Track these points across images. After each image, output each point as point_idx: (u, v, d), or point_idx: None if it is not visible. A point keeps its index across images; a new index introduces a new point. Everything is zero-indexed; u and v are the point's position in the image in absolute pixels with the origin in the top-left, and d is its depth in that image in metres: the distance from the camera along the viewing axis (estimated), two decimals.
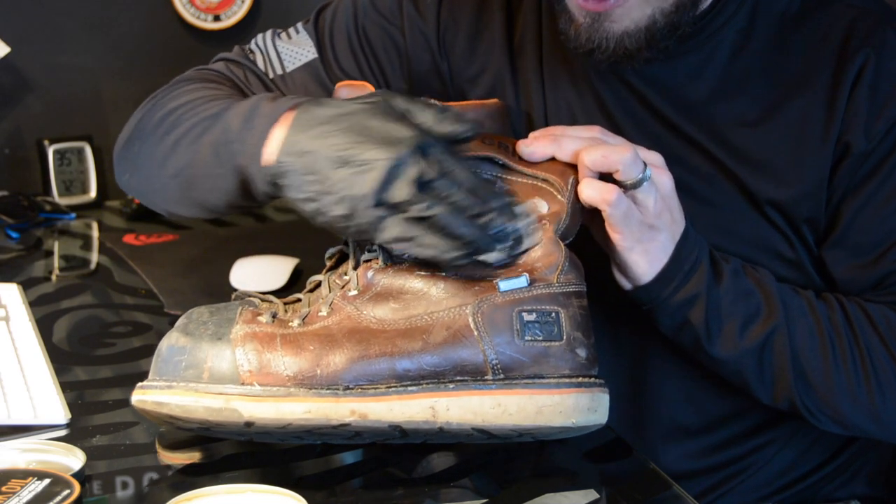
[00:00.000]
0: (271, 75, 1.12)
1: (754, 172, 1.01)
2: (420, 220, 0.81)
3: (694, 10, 0.98)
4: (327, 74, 1.12)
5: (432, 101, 0.87)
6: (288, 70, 1.12)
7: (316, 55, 1.12)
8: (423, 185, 0.81)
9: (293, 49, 1.13)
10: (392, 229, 0.82)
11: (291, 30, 1.15)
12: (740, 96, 1.02)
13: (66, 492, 0.75)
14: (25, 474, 0.77)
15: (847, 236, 1.01)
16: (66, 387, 1.00)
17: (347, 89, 0.96)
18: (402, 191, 0.81)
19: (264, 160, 0.87)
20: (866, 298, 1.02)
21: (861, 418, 1.01)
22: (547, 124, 1.07)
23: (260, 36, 1.15)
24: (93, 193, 1.76)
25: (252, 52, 1.14)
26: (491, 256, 0.84)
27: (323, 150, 0.83)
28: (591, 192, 0.90)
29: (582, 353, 0.86)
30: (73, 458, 0.84)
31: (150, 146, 1.01)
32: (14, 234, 1.56)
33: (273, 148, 0.86)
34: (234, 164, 0.90)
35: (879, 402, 1.00)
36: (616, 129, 1.04)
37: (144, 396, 0.84)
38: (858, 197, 1.00)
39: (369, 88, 0.94)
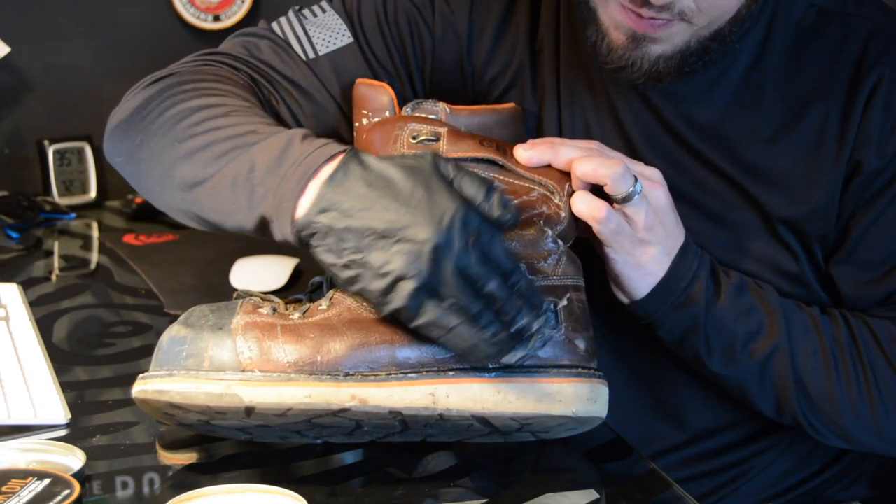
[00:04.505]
0: (304, 59, 1.06)
1: (767, 189, 1.00)
2: (455, 307, 0.78)
3: (730, 36, 0.95)
4: (365, 61, 1.07)
5: (482, 174, 0.82)
6: (321, 53, 1.06)
7: (351, 39, 1.07)
8: (462, 272, 0.78)
9: (322, 32, 1.07)
10: (429, 314, 0.78)
11: (316, 8, 1.09)
12: (754, 110, 1.01)
13: (66, 492, 0.75)
14: (25, 474, 0.77)
15: (856, 252, 1.01)
16: (66, 387, 1.00)
17: (366, 87, 0.96)
18: (446, 277, 0.77)
19: (296, 215, 0.81)
20: (872, 314, 1.02)
21: (865, 435, 1.01)
22: (560, 130, 1.06)
23: (283, 19, 1.09)
24: (93, 193, 1.76)
25: (273, 31, 1.08)
26: (512, 357, 0.82)
27: (365, 217, 0.78)
28: (582, 206, 0.90)
29: (581, 344, 0.87)
30: (73, 458, 0.84)
31: (156, 147, 0.95)
32: (14, 234, 1.56)
33: (306, 203, 0.81)
34: (256, 210, 0.85)
35: (883, 419, 0.99)
36: (628, 141, 1.03)
37: (145, 386, 0.84)
38: (868, 214, 0.99)
39: (388, 90, 0.94)
